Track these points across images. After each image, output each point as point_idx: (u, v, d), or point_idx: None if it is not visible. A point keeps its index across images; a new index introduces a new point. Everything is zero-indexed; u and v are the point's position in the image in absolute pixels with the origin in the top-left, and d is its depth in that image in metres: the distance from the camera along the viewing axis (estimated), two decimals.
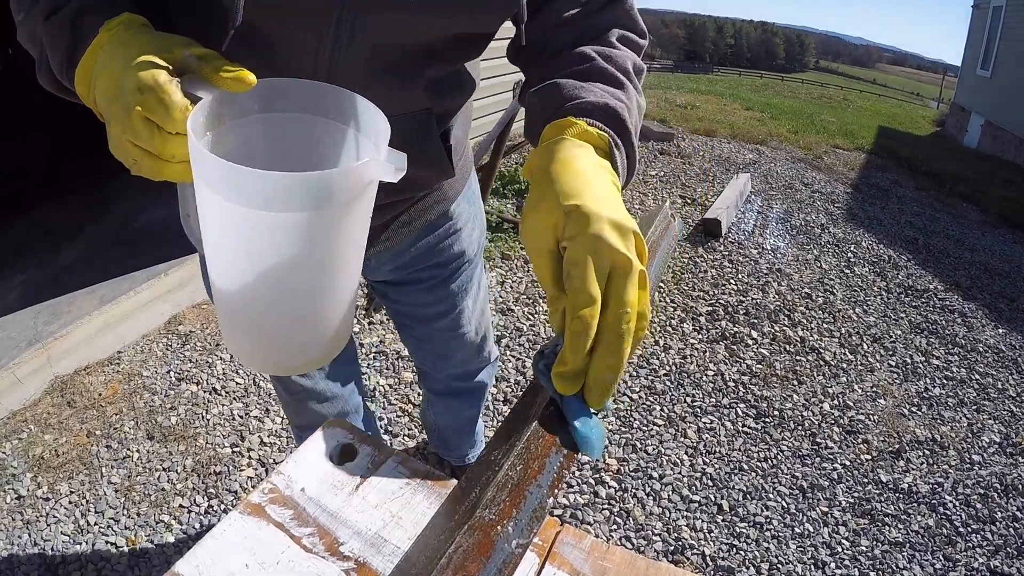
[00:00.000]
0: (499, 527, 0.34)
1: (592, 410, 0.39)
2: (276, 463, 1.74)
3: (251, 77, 0.43)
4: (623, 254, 0.38)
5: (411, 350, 1.18)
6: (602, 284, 0.37)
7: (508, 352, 2.30)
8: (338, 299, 0.52)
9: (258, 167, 0.38)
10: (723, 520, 1.70)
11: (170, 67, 0.43)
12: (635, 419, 2.04)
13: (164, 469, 1.69)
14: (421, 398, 1.62)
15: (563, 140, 0.46)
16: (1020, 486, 1.95)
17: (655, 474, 1.83)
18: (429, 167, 0.72)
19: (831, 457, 1.98)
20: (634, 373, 2.27)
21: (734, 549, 1.63)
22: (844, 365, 2.48)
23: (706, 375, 2.30)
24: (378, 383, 2.06)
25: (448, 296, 0.99)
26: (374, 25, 0.56)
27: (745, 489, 1.81)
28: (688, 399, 2.17)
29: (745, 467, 1.90)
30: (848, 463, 1.96)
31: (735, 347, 2.50)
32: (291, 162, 0.50)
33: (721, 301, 2.81)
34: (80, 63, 0.47)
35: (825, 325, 2.74)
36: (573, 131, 0.47)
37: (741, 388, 2.26)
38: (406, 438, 1.86)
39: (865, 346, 2.63)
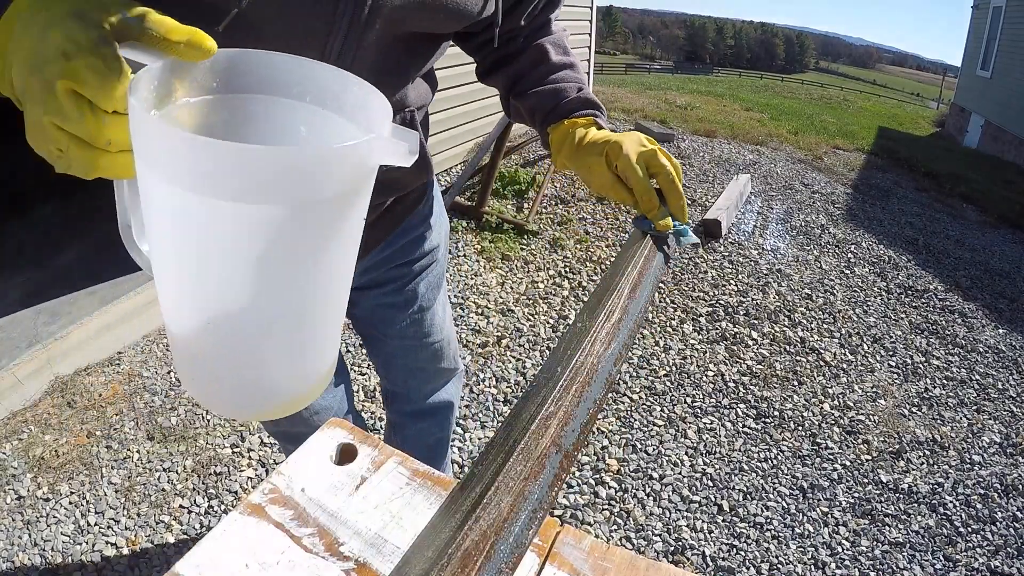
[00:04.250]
0: (499, 527, 0.34)
1: (682, 225, 0.63)
2: (276, 463, 1.74)
3: (210, 42, 0.35)
4: (647, 149, 0.62)
5: (380, 369, 1.12)
6: (644, 169, 0.62)
7: (508, 352, 2.30)
8: (329, 322, 0.43)
9: None
10: (723, 520, 1.70)
11: (105, 27, 0.34)
12: (635, 420, 2.04)
13: (164, 470, 1.69)
14: (384, 426, 1.49)
15: (574, 132, 0.69)
16: (1020, 486, 1.95)
17: (655, 474, 1.83)
18: (414, 166, 0.71)
19: (831, 457, 1.98)
20: (634, 374, 2.27)
21: (734, 549, 1.62)
22: (844, 365, 2.48)
23: (706, 376, 2.31)
24: (379, 383, 2.06)
25: (416, 297, 0.94)
26: (389, 10, 0.55)
27: (745, 489, 1.81)
28: (688, 400, 2.17)
29: (745, 467, 1.90)
30: (848, 463, 1.96)
31: (735, 348, 2.50)
32: None
33: (721, 302, 2.81)
34: None
35: (825, 325, 2.74)
36: (576, 127, 0.70)
37: (741, 389, 2.26)
38: None
39: (865, 346, 2.63)
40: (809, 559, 1.62)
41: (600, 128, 0.70)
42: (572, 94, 0.71)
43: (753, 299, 2.87)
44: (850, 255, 3.51)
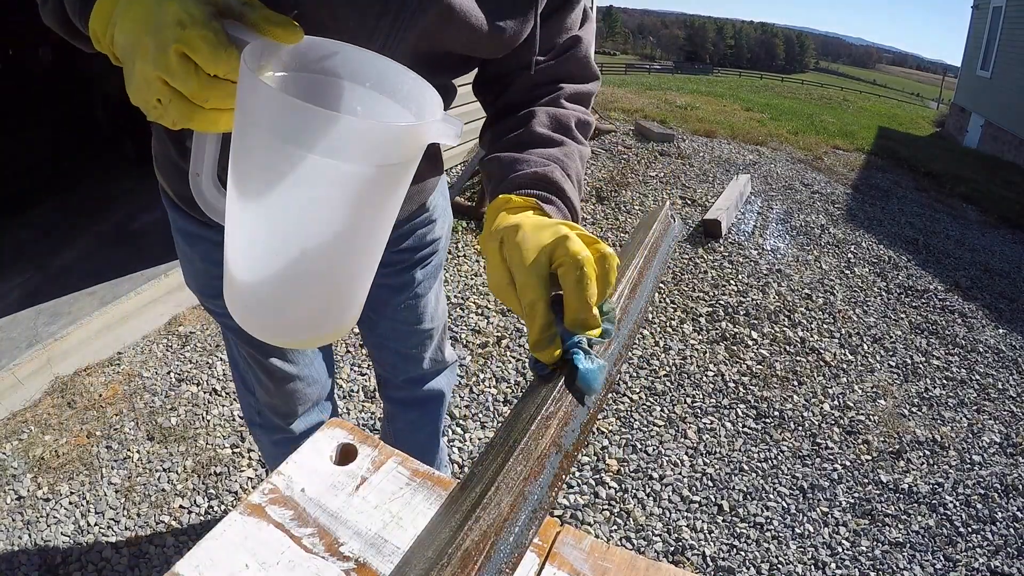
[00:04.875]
0: (499, 527, 0.34)
1: (587, 343, 0.43)
2: None
3: (300, 30, 0.42)
4: (560, 236, 0.44)
5: (373, 353, 1.17)
6: (544, 265, 0.44)
7: (508, 352, 2.30)
8: (370, 268, 0.51)
9: None
10: (723, 520, 1.70)
11: (213, 6, 0.41)
12: (635, 420, 2.04)
13: (164, 470, 1.69)
14: (381, 419, 1.51)
15: (500, 211, 0.53)
16: (1020, 486, 1.95)
17: (655, 475, 1.83)
18: (427, 161, 0.81)
19: (831, 458, 1.98)
20: (634, 374, 2.27)
21: (734, 549, 1.62)
22: (844, 366, 2.48)
23: (706, 376, 2.30)
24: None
25: (413, 283, 1.00)
26: (420, 28, 0.58)
27: (745, 490, 1.81)
28: (688, 400, 2.17)
29: (745, 468, 1.90)
30: (848, 463, 1.96)
31: (735, 348, 2.50)
32: None
33: (721, 302, 2.81)
34: None
35: (825, 326, 2.74)
36: (508, 205, 0.54)
37: (741, 389, 2.26)
38: None
39: (865, 346, 2.63)
40: (809, 559, 1.62)
41: (539, 211, 0.53)
42: (529, 168, 0.57)
43: (753, 299, 2.87)
44: (850, 255, 3.51)
